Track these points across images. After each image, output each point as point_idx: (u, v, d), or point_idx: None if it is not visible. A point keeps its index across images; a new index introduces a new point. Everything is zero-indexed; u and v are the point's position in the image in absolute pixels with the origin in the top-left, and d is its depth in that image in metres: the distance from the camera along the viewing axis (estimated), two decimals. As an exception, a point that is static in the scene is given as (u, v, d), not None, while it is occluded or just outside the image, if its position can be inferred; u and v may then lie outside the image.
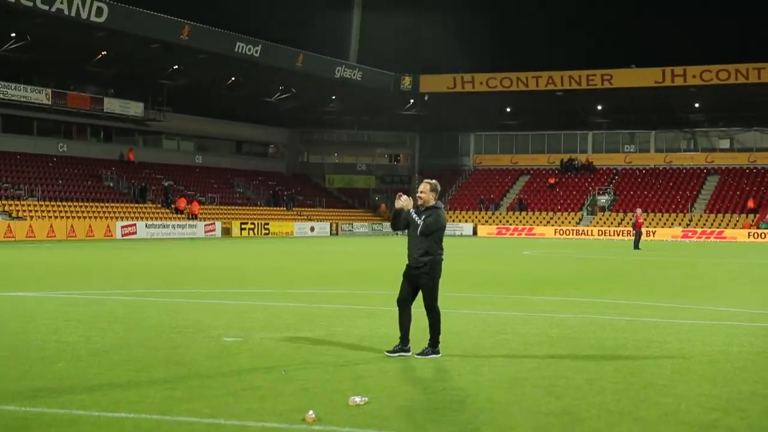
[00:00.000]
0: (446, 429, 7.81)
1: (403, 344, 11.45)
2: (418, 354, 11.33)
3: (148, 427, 7.85)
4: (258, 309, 16.80)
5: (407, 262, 11.51)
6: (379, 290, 20.79)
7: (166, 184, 69.68)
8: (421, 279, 11.38)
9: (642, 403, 8.77)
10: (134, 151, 72.66)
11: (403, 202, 11.44)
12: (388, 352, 11.47)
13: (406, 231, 11.57)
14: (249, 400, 8.89)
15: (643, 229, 72.70)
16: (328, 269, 29.27)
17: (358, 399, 8.75)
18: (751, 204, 77.07)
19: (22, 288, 20.86)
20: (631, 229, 49.24)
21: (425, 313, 11.49)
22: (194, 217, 65.61)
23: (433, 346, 11.43)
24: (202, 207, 68.57)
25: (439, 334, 11.46)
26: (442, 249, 11.53)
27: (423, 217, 11.29)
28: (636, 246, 46.54)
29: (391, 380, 9.87)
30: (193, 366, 10.72)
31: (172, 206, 66.26)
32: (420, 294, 11.54)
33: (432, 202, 11.40)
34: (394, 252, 43.42)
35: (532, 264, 33.71)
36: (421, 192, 11.43)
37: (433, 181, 11.61)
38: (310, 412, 8.17)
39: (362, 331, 13.83)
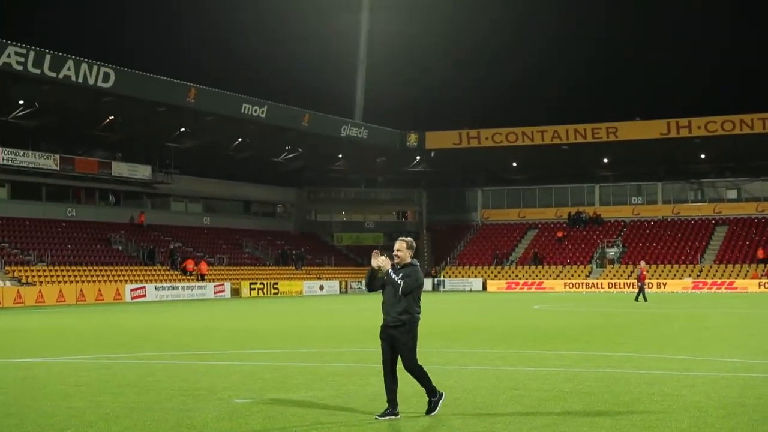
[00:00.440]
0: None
1: (392, 408, 11.26)
2: (427, 413, 11.29)
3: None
4: (269, 369, 16.69)
5: (383, 323, 11.32)
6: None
7: (173, 246, 69.72)
8: (399, 339, 11.16)
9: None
10: (144, 214, 72.81)
11: (381, 261, 11.20)
12: (378, 415, 11.27)
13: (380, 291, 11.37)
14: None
15: (654, 281, 73.00)
16: (338, 327, 29.12)
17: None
18: (761, 254, 76.75)
19: (32, 354, 20.77)
20: (636, 281, 49.32)
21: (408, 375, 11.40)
22: (202, 277, 65.55)
23: (434, 394, 11.36)
24: (210, 268, 68.56)
25: (431, 382, 11.36)
26: (419, 308, 11.38)
27: (401, 275, 11.14)
28: (636, 298, 46.82)
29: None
30: (203, 429, 10.63)
31: (180, 267, 66.23)
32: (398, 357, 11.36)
33: (408, 260, 11.28)
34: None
35: (542, 318, 33.50)
36: (398, 250, 11.25)
37: (409, 238, 11.46)
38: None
39: (374, 390, 13.69)
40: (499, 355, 18.84)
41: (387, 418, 11.13)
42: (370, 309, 43.85)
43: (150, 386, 14.50)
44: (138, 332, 28.43)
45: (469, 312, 38.55)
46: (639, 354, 18.81)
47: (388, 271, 11.16)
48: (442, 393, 11.38)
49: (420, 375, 11.27)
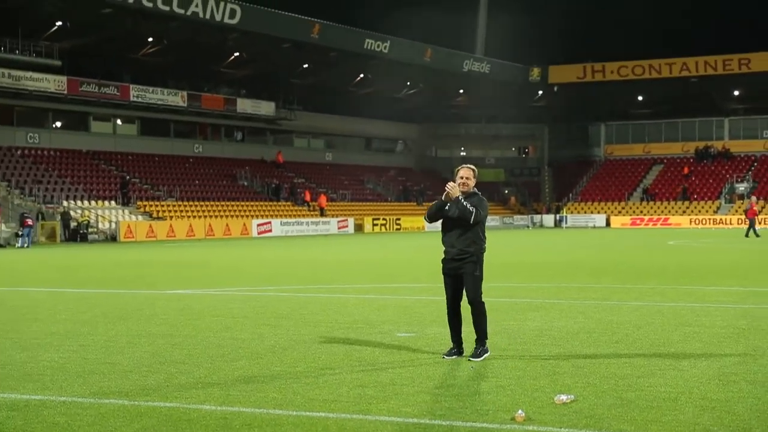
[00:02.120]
0: (672, 428, 7.27)
1: (458, 348, 10.68)
2: (471, 356, 10.45)
3: (354, 428, 7.51)
4: (419, 303, 16.48)
5: (445, 257, 10.63)
6: (539, 283, 20.25)
7: (295, 181, 70.29)
8: (465, 269, 10.49)
9: None
10: (279, 152, 73.49)
11: (457, 191, 10.40)
12: (444, 354, 10.68)
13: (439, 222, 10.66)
14: (447, 398, 8.49)
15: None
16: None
17: (564, 397, 8.27)
18: None
19: (180, 286, 20.99)
20: (744, 216, 47.93)
21: (469, 310, 10.63)
22: (322, 211, 66.02)
23: (483, 342, 10.55)
24: (333, 203, 68.96)
25: (486, 329, 10.59)
26: (485, 238, 10.69)
27: (473, 202, 10.40)
28: (747, 234, 45.49)
29: (590, 377, 9.34)
30: (375, 363, 10.40)
31: (300, 199, 67.02)
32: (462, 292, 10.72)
33: (473, 189, 10.54)
34: (537, 244, 42.98)
35: (683, 254, 32.61)
36: (467, 178, 10.48)
37: (473, 166, 10.75)
38: (520, 411, 7.73)
39: (537, 325, 13.35)
40: (656, 291, 18.25)
41: (454, 357, 10.56)
42: (503, 243, 43.48)
43: (305, 319, 14.40)
44: (275, 265, 28.64)
45: (605, 248, 37.82)
46: (806, 291, 18.04)
47: (458, 197, 10.35)
48: (488, 350, 10.58)
49: (481, 312, 10.56)
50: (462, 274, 10.56)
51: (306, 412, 8.06)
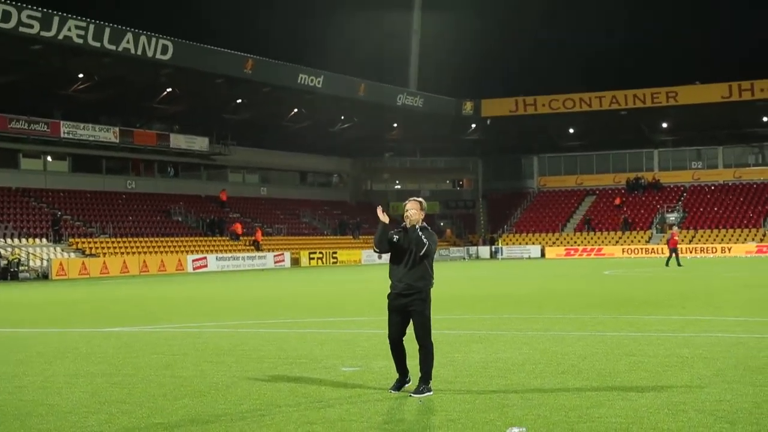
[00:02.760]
0: (626, 459, 7.24)
1: (404, 376, 10.47)
2: (413, 392, 10.17)
3: (304, 465, 7.36)
4: (362, 337, 16.33)
5: (392, 291, 10.33)
6: (480, 314, 20.23)
7: (233, 216, 69.81)
8: (414, 307, 10.20)
9: (828, 426, 8.12)
10: (223, 190, 73.04)
11: (384, 217, 10.23)
12: (391, 389, 10.45)
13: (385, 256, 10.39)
14: (397, 433, 8.38)
15: (717, 245, 72.08)
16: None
17: (516, 430, 8.23)
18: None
19: (117, 323, 20.57)
20: (666, 246, 49.46)
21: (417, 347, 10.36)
22: (257, 244, 65.62)
23: (427, 381, 10.22)
24: (269, 238, 68.60)
25: (431, 370, 10.30)
26: (433, 274, 10.46)
27: (424, 235, 10.12)
28: (667, 263, 47.02)
29: (540, 409, 9.28)
30: (322, 398, 10.24)
31: (228, 231, 66.45)
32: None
33: (420, 223, 10.27)
34: (476, 276, 43.05)
35: (620, 284, 32.87)
36: (413, 210, 10.23)
37: (421, 198, 10.47)
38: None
39: (482, 356, 13.29)
40: (597, 320, 18.32)
41: (403, 390, 10.29)
42: (441, 275, 43.35)
43: (247, 355, 14.19)
44: (213, 301, 28.28)
45: (543, 279, 37.99)
46: (744, 318, 18.20)
47: (415, 227, 10.10)
48: (431, 389, 10.22)
49: (429, 352, 10.27)
50: (410, 312, 10.31)
51: (254, 450, 7.89)
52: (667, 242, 48.86)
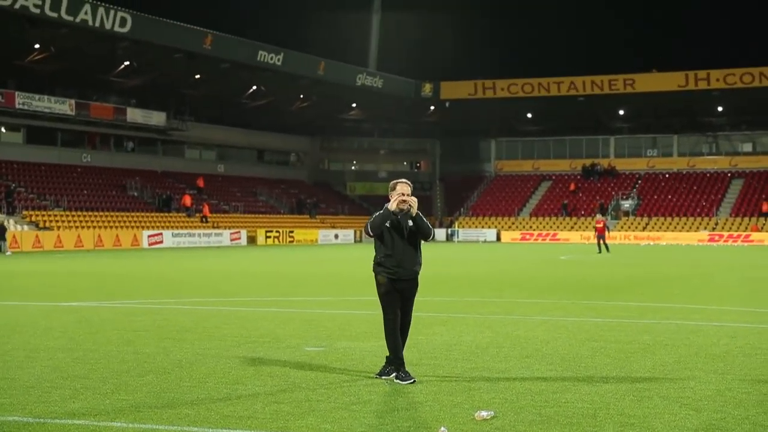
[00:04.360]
0: (595, 444, 7.29)
1: (402, 364, 10.04)
2: (385, 373, 10.06)
3: (275, 445, 7.33)
4: (325, 317, 16.31)
5: (393, 277, 9.98)
6: (441, 297, 20.28)
7: (189, 192, 69.37)
8: (411, 292, 10.14)
9: (792, 415, 8.23)
10: (201, 177, 72.54)
11: (414, 204, 9.96)
12: (384, 377, 10.05)
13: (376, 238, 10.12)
14: (365, 415, 8.37)
15: (670, 233, 72.87)
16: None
17: (484, 413, 8.23)
18: (765, 208, 76.40)
19: (75, 298, 20.38)
20: (593, 233, 49.94)
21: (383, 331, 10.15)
22: (205, 219, 65.31)
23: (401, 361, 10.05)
24: (226, 215, 68.31)
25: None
26: None
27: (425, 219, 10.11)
28: (600, 250, 47.23)
29: (507, 393, 9.31)
30: (287, 378, 10.21)
31: (179, 204, 66.11)
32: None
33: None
34: (433, 259, 42.93)
35: (578, 268, 33.10)
36: (406, 194, 9.95)
37: (408, 181, 10.23)
38: (442, 428, 7.66)
39: (446, 339, 13.33)
40: (558, 305, 18.43)
41: (408, 381, 9.84)
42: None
43: (209, 333, 14.12)
44: (171, 277, 28.13)
45: (501, 262, 38.16)
46: (702, 306, 18.41)
47: (418, 212, 9.97)
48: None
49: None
50: (407, 297, 10.18)
51: (223, 429, 7.86)
52: (595, 229, 49.37)
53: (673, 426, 7.85)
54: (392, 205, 9.95)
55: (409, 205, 9.97)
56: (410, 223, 10.09)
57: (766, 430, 7.72)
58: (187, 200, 66.67)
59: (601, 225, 49.06)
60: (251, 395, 9.24)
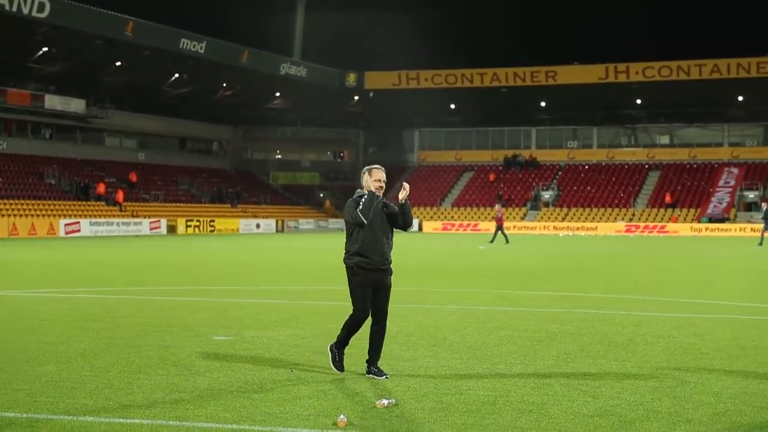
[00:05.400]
0: None
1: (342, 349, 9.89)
2: (380, 374, 9.59)
3: (171, 435, 7.26)
4: (237, 306, 16.22)
5: (367, 267, 9.59)
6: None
7: (108, 181, 68.42)
8: (388, 282, 9.72)
9: (685, 402, 8.35)
10: (134, 171, 71.41)
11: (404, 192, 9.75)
12: (375, 376, 9.58)
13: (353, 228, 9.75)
14: (267, 403, 8.34)
15: (588, 224, 73.96)
16: (290, 265, 28.57)
17: (385, 401, 8.26)
18: (668, 199, 78.15)
19: (-19, 288, 19.99)
20: (495, 223, 50.52)
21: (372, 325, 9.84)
22: (119, 205, 64.50)
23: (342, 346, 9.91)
24: (146, 204, 67.54)
25: None
26: None
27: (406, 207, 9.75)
28: (492, 240, 47.76)
29: (410, 381, 9.37)
30: (191, 367, 10.13)
31: (92, 192, 65.26)
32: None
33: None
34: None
35: (492, 259, 33.37)
36: (384, 181, 9.72)
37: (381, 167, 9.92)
38: (342, 416, 7.65)
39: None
40: (471, 294, 18.57)
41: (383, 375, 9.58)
42: (319, 246, 43.45)
43: (118, 322, 13.95)
44: (85, 266, 27.72)
45: (420, 252, 38.30)
46: (612, 295, 18.69)
47: (405, 200, 9.68)
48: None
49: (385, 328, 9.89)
50: (384, 287, 9.73)
51: (120, 418, 7.77)
52: (495, 219, 49.97)
53: (569, 412, 7.96)
54: (371, 188, 9.61)
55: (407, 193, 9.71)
56: (386, 209, 9.68)
57: (658, 414, 7.87)
58: (101, 188, 65.65)
59: (500, 215, 49.35)
60: (153, 384, 9.15)
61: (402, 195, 9.68)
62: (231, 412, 8.00)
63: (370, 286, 9.64)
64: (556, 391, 8.85)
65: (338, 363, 9.83)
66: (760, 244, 44.76)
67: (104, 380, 9.34)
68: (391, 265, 9.75)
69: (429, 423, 7.63)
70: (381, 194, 9.70)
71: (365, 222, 9.58)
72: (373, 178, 9.69)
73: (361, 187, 9.83)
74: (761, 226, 49.53)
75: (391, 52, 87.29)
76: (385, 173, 9.81)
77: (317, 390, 8.94)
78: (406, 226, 9.81)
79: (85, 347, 11.49)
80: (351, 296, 9.86)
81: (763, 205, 59.18)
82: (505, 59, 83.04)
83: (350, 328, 9.88)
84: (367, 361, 9.77)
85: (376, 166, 9.90)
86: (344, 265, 9.84)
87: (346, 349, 10.04)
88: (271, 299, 17.63)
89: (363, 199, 9.63)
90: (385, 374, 9.58)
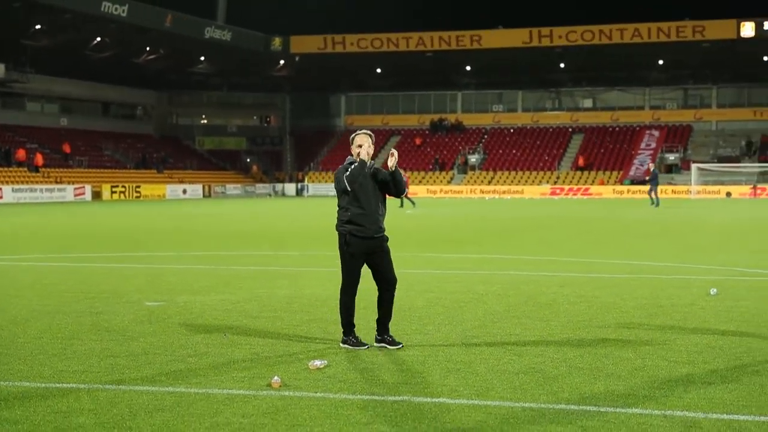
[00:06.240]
0: (420, 391, 7.61)
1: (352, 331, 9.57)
2: (392, 344, 9.40)
3: (108, 399, 7.38)
4: (169, 272, 16.31)
5: (361, 235, 9.39)
6: (287, 251, 20.46)
7: (29, 147, 67.32)
8: (384, 248, 9.51)
9: (606, 358, 8.71)
10: (39, 152, 69.96)
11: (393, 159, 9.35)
12: (388, 345, 9.40)
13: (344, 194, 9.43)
14: (201, 367, 8.51)
15: (513, 187, 74.96)
16: (216, 230, 28.63)
17: (318, 363, 8.47)
18: (581, 162, 79.56)
19: None
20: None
21: (380, 293, 9.70)
22: (37, 169, 63.60)
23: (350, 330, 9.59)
24: (69, 170, 66.68)
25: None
26: None
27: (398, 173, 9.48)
28: (401, 205, 47.78)
29: (339, 343, 9.60)
30: (125, 332, 10.25)
31: (13, 159, 64.31)
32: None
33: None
34: (285, 212, 43.28)
35: (420, 222, 33.73)
36: (368, 145, 9.39)
37: (370, 132, 9.62)
38: (275, 377, 7.86)
39: (287, 292, 13.53)
40: (400, 258, 18.71)
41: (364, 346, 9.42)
42: (246, 212, 43.47)
43: (48, 289, 13.95)
44: (10, 234, 27.43)
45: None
46: (537, 257, 19.13)
47: (396, 167, 9.39)
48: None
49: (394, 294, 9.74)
50: (381, 253, 9.53)
51: (56, 383, 7.87)
52: None
53: (495, 369, 8.27)
54: (364, 156, 9.33)
55: (395, 161, 9.39)
56: (377, 176, 9.41)
57: (580, 370, 8.21)
58: (22, 154, 64.62)
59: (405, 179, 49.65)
60: (87, 350, 9.25)
61: (391, 162, 9.37)
62: (167, 375, 8.15)
63: (362, 255, 9.49)
64: (483, 350, 9.16)
65: (357, 343, 9.45)
66: (657, 204, 46.72)
67: (37, 346, 9.42)
68: (385, 233, 9.55)
69: (360, 383, 7.88)
70: (371, 161, 9.48)
71: (350, 189, 9.33)
72: (354, 144, 9.41)
73: (351, 155, 9.60)
74: (666, 187, 51.05)
75: (317, 16, 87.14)
76: (372, 138, 9.49)
77: (251, 353, 9.12)
78: (398, 193, 9.60)
79: (16, 314, 11.52)
80: (341, 264, 9.71)
81: (651, 166, 61.08)
82: (431, 23, 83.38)
83: (346, 303, 9.58)
84: (377, 330, 9.56)
85: (362, 131, 9.54)
86: (336, 233, 9.67)
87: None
88: (201, 265, 17.73)
89: (352, 167, 9.36)
90: (400, 343, 9.39)
